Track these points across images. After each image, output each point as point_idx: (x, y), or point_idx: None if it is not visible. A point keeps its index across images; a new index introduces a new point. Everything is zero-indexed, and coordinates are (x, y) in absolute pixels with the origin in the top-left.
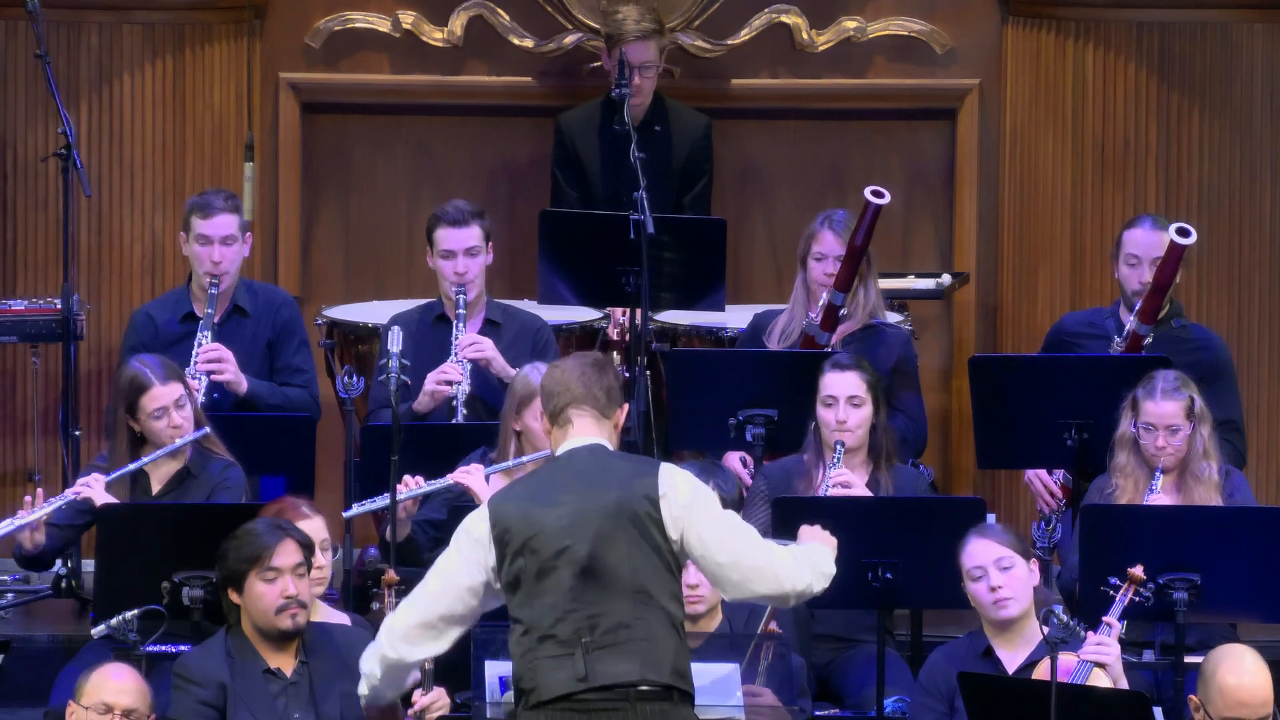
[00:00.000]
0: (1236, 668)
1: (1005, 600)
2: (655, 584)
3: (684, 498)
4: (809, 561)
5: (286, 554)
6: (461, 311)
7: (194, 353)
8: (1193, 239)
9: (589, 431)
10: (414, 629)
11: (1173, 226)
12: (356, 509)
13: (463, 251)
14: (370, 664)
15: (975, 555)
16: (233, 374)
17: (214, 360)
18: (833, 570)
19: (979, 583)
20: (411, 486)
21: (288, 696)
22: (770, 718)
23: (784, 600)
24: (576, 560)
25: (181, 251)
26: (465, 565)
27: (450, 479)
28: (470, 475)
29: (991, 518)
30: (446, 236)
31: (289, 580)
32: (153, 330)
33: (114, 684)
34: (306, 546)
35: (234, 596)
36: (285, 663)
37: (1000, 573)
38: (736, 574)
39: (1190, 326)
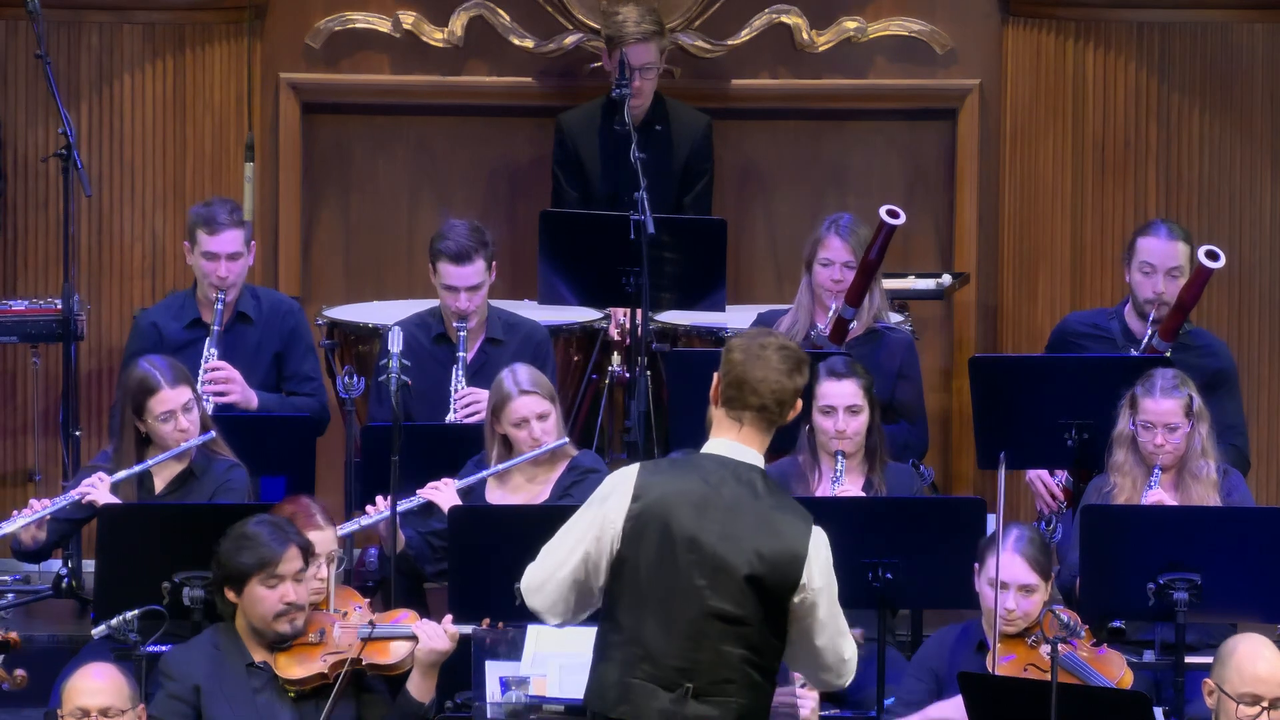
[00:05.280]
0: (1254, 648)
1: (1015, 622)
2: (769, 647)
3: (817, 584)
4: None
5: (290, 560)
6: (463, 337)
7: (200, 373)
8: (1221, 263)
9: (755, 442)
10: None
11: (1202, 249)
12: (351, 526)
13: (465, 288)
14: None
15: (1005, 568)
16: (240, 394)
17: (220, 382)
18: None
19: (994, 592)
20: (381, 508)
21: (271, 691)
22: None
23: (824, 688)
24: (707, 598)
25: (186, 260)
26: (595, 541)
27: (421, 495)
28: (439, 492)
29: (1018, 530)
30: (449, 273)
31: (290, 586)
32: (157, 337)
33: (87, 686)
34: (306, 551)
35: (231, 596)
36: (271, 657)
37: (1022, 597)
38: (813, 661)
39: (1195, 333)
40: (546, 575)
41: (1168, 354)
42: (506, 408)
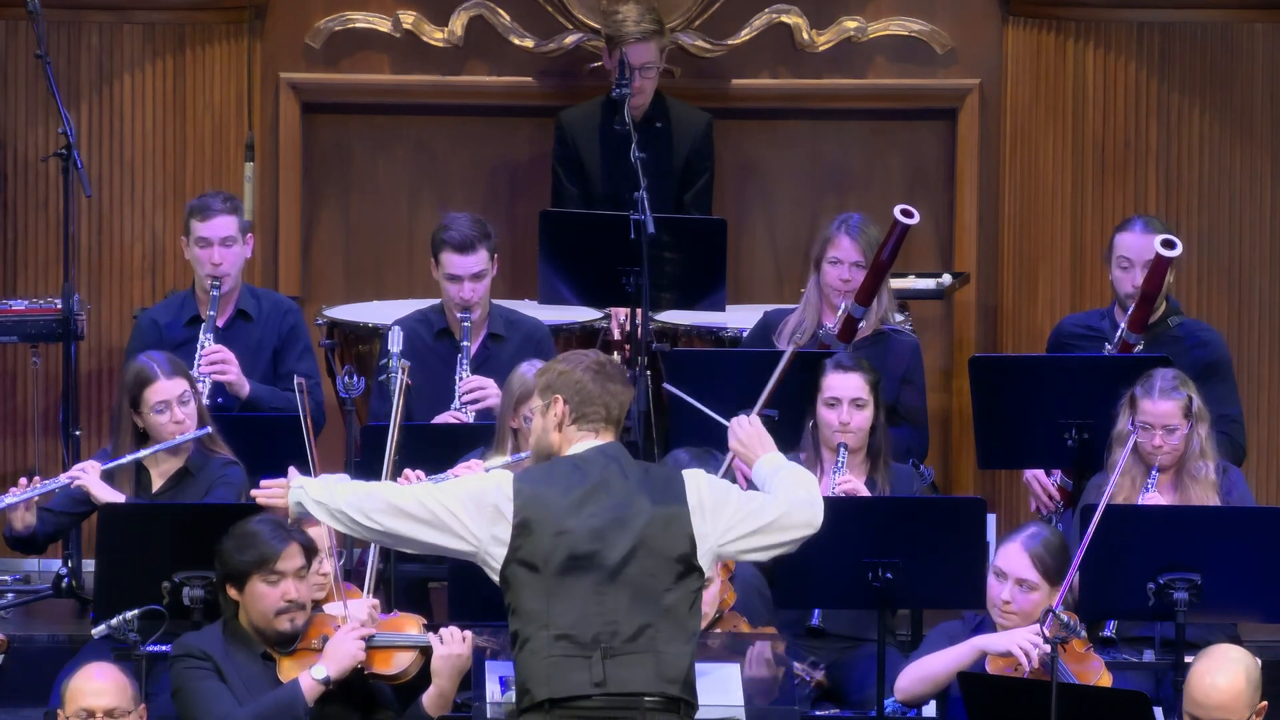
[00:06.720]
0: (1208, 667)
1: (1009, 615)
2: (677, 596)
3: (708, 506)
4: (800, 494)
5: (290, 558)
6: (466, 328)
7: (197, 356)
8: (1178, 251)
9: (608, 437)
10: (388, 519)
11: (1158, 238)
12: None
13: (468, 277)
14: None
15: (1009, 559)
16: (235, 375)
17: (216, 361)
18: (810, 477)
19: (997, 582)
20: (412, 480)
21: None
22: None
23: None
24: (604, 567)
25: (184, 255)
26: (466, 526)
27: (452, 474)
28: (471, 470)
29: (1036, 528)
30: (452, 262)
31: (291, 583)
32: (157, 335)
33: (91, 686)
34: (308, 549)
35: (233, 594)
36: (275, 660)
37: (1021, 592)
38: (760, 540)
39: (1184, 324)
40: (401, 500)
41: (1139, 346)
42: (532, 400)
